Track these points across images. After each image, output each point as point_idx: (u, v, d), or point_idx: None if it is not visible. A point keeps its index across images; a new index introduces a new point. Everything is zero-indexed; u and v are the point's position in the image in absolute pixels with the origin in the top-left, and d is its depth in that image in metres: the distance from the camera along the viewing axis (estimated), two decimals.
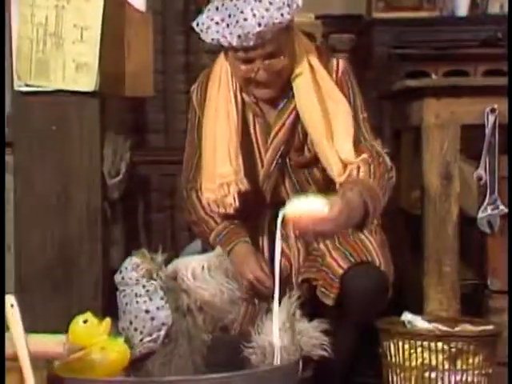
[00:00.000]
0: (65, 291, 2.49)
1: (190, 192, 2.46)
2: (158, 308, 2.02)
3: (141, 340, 2.01)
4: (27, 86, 2.49)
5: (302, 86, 2.33)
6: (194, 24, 2.29)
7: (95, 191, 2.52)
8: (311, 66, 2.34)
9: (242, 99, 2.38)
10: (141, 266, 2.05)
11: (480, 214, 2.59)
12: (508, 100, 2.54)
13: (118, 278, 2.09)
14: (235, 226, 2.37)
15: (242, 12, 2.18)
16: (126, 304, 2.06)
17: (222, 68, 2.39)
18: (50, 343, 1.82)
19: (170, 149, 4.22)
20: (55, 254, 2.51)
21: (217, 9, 2.24)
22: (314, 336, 2.05)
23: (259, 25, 2.17)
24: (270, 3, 2.19)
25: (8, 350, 1.77)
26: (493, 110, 2.55)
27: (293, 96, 2.35)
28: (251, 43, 2.20)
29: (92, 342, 1.97)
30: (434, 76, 3.89)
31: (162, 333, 2.01)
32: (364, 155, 2.28)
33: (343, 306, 2.25)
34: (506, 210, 2.58)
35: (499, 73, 3.55)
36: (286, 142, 2.36)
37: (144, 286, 2.04)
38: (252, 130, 2.40)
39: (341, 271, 2.25)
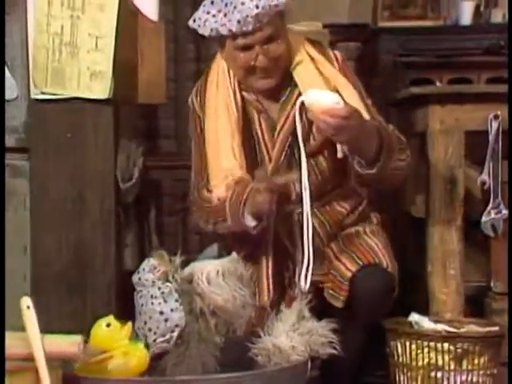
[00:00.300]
0: (79, 293, 2.50)
1: (202, 191, 2.40)
2: (171, 310, 2.02)
3: (154, 340, 2.02)
4: (43, 93, 2.50)
5: (305, 73, 2.32)
6: (191, 21, 2.29)
7: (109, 196, 2.52)
8: (309, 55, 2.34)
9: (243, 97, 2.36)
10: (158, 268, 2.05)
11: (484, 218, 2.58)
12: (508, 107, 2.53)
13: (135, 278, 2.09)
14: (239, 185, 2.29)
15: None
16: (142, 305, 2.06)
17: (219, 68, 2.38)
18: (64, 344, 1.82)
19: (182, 154, 4.22)
20: (70, 256, 2.51)
21: (212, 3, 2.25)
22: (322, 334, 2.04)
23: (257, 7, 2.18)
24: None
25: (24, 351, 1.77)
26: (496, 117, 2.54)
27: (295, 86, 2.34)
28: (250, 27, 2.21)
29: (114, 346, 1.97)
30: (438, 83, 3.89)
31: (175, 334, 2.01)
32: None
33: (352, 308, 2.24)
34: None
35: (502, 80, 3.54)
36: (292, 133, 2.33)
37: (159, 288, 2.04)
38: (258, 127, 2.38)
39: (349, 274, 2.24)
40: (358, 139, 2.17)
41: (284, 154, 2.35)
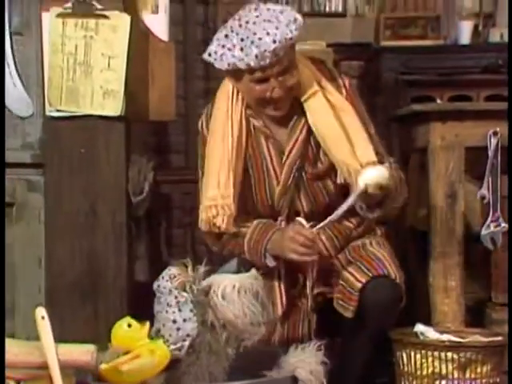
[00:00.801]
0: (92, 303, 2.49)
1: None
2: (184, 320, 2.01)
3: (168, 346, 2.01)
4: (58, 111, 2.50)
5: (316, 104, 2.32)
6: (206, 55, 2.28)
7: (121, 209, 2.53)
8: (319, 84, 2.34)
9: (250, 123, 2.35)
10: (176, 278, 2.04)
11: (483, 231, 2.57)
12: (508, 124, 2.53)
13: (155, 285, 2.09)
14: (261, 227, 2.34)
15: (254, 33, 2.17)
16: (158, 312, 2.06)
17: (227, 94, 2.37)
18: (78, 353, 1.81)
19: (191, 169, 4.21)
20: (83, 268, 2.51)
21: (226, 36, 2.22)
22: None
23: (274, 42, 2.17)
24: (279, 21, 2.19)
25: (39, 359, 1.77)
26: (495, 133, 2.54)
27: (302, 112, 2.33)
28: (268, 61, 2.19)
29: (136, 345, 1.98)
30: (439, 101, 3.89)
31: (186, 343, 2.00)
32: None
33: (361, 318, 2.23)
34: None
35: (501, 98, 3.54)
36: (301, 157, 2.34)
37: (176, 297, 2.03)
38: (266, 152, 2.37)
39: (359, 285, 2.23)
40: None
41: (292, 176, 2.35)
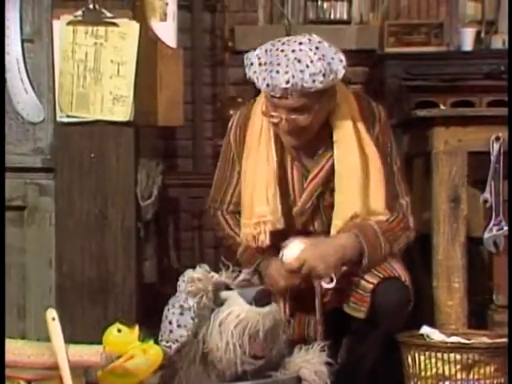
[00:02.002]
0: (101, 304, 2.50)
1: (216, 212, 2.45)
2: (179, 326, 2.01)
3: (160, 341, 2.04)
4: (68, 117, 2.51)
5: (346, 150, 2.25)
6: (245, 56, 2.22)
7: (130, 212, 2.53)
8: (357, 131, 2.26)
9: (281, 143, 2.31)
10: (194, 283, 2.02)
11: (486, 235, 2.57)
12: (508, 129, 2.52)
13: (180, 281, 2.08)
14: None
15: (278, 64, 2.11)
16: (167, 307, 2.06)
17: (259, 109, 2.30)
18: (87, 353, 1.81)
19: (198, 173, 4.23)
20: (93, 270, 2.51)
21: (266, 51, 2.17)
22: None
23: (287, 82, 2.10)
24: (307, 66, 2.10)
25: (49, 360, 1.77)
26: (497, 138, 2.53)
27: (331, 147, 2.28)
28: (277, 95, 2.14)
29: (128, 349, 1.98)
30: (442, 106, 3.88)
31: (174, 347, 2.01)
32: (387, 215, 2.27)
33: (372, 319, 2.22)
34: None
35: (503, 103, 3.53)
36: (322, 185, 2.31)
37: (183, 300, 2.02)
38: (289, 172, 2.34)
39: (371, 286, 2.22)
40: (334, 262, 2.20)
41: (311, 202, 2.32)
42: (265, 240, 2.27)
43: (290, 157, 2.33)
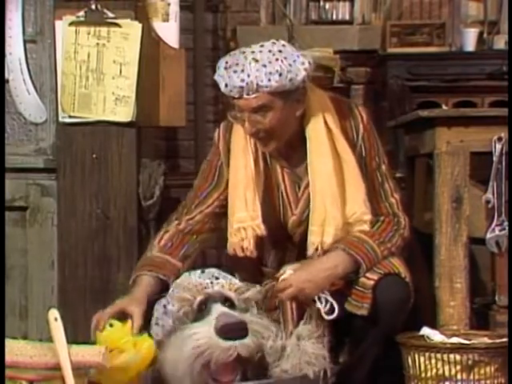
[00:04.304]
0: (103, 305, 2.49)
1: (176, 220, 2.35)
2: (157, 324, 2.01)
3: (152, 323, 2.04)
4: (70, 117, 2.51)
5: (316, 151, 2.24)
6: (220, 60, 2.23)
7: (132, 213, 2.53)
8: (330, 131, 2.25)
9: (263, 151, 2.28)
10: (182, 290, 2.00)
11: (488, 235, 2.56)
12: (508, 129, 2.52)
13: (195, 275, 2.05)
14: (157, 259, 2.24)
15: (237, 64, 2.13)
16: (158, 301, 2.06)
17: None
18: (89, 353, 1.81)
19: None
20: (95, 270, 2.52)
21: (233, 55, 2.18)
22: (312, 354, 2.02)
23: (242, 80, 2.11)
24: (264, 66, 2.11)
25: (51, 360, 1.77)
26: (499, 139, 2.53)
27: None
28: (236, 95, 2.14)
29: (120, 343, 1.97)
30: (444, 106, 3.88)
31: (160, 334, 2.00)
32: (369, 216, 2.24)
33: (373, 316, 2.22)
34: None
35: (505, 104, 3.52)
36: None
37: (169, 302, 2.02)
38: (281, 181, 2.31)
39: (372, 283, 2.20)
40: (322, 283, 2.18)
41: (308, 210, 2.27)
42: (249, 247, 2.22)
43: (279, 165, 2.31)
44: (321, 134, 2.24)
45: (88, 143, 2.52)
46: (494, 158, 2.53)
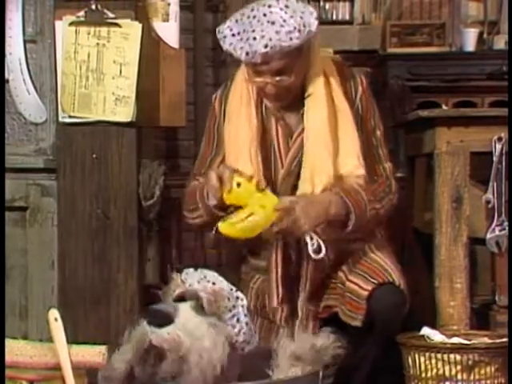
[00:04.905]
0: (103, 305, 2.50)
1: (190, 180, 2.42)
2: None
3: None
4: (70, 117, 2.51)
5: (314, 107, 2.27)
6: (217, 30, 2.24)
7: (132, 213, 2.53)
8: (329, 86, 2.29)
9: (264, 104, 2.32)
10: (212, 296, 1.96)
11: (488, 235, 2.57)
12: (508, 129, 2.52)
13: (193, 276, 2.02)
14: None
15: (253, 31, 2.13)
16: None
17: (243, 76, 2.33)
18: (90, 353, 1.82)
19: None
20: (95, 270, 2.52)
21: (236, 21, 2.18)
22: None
23: (265, 46, 2.12)
24: (282, 26, 2.13)
25: (52, 360, 1.77)
26: (500, 139, 2.53)
27: None
28: (258, 61, 2.16)
29: (248, 201, 2.12)
30: (444, 106, 3.89)
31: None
32: (362, 171, 2.25)
33: (369, 326, 2.21)
34: None
35: (505, 104, 3.53)
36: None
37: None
38: (274, 133, 2.33)
39: (366, 293, 2.21)
40: (315, 220, 2.17)
41: (297, 160, 2.30)
42: None
43: (275, 118, 2.33)
44: (319, 85, 2.27)
45: (88, 143, 2.52)
46: (494, 158, 2.53)
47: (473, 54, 4.32)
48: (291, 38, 2.13)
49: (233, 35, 2.17)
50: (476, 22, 4.52)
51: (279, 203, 2.16)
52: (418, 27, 4.43)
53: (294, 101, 2.30)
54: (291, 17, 2.14)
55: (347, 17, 4.61)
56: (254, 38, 2.12)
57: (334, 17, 4.60)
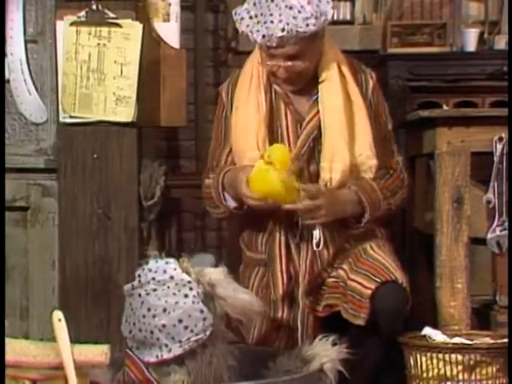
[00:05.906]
0: (104, 305, 2.51)
1: (211, 178, 2.43)
2: (203, 311, 1.94)
3: (188, 338, 1.93)
4: (71, 117, 2.52)
5: (329, 93, 2.32)
6: (233, 12, 2.27)
7: (132, 213, 2.54)
8: (342, 75, 2.33)
9: (273, 90, 2.35)
10: (191, 270, 1.99)
11: (489, 235, 2.57)
12: (508, 129, 2.53)
13: (162, 276, 1.99)
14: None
15: (271, 14, 2.17)
16: (166, 302, 1.94)
17: (253, 62, 2.37)
18: (92, 353, 1.82)
19: (201, 174, 4.22)
20: (95, 270, 2.53)
21: (254, 4, 2.22)
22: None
23: (282, 30, 2.16)
24: (299, 11, 2.17)
25: (54, 360, 1.78)
26: (500, 139, 2.54)
27: None
28: (274, 44, 2.20)
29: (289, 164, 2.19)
30: (445, 107, 3.89)
31: (207, 333, 1.93)
32: (375, 161, 2.32)
33: (372, 324, 2.22)
34: None
35: (505, 104, 3.53)
36: (317, 129, 2.34)
37: (192, 289, 1.97)
38: (283, 119, 2.36)
39: (369, 292, 2.22)
40: (333, 214, 2.24)
41: (307, 146, 2.33)
42: None
43: (284, 103, 2.36)
44: (334, 72, 2.33)
45: (89, 143, 2.53)
46: (495, 158, 2.54)
47: (474, 54, 4.31)
48: (308, 25, 2.18)
49: (250, 18, 2.21)
50: (477, 22, 4.52)
51: (306, 186, 2.22)
52: (418, 27, 4.42)
53: (305, 87, 2.33)
54: (309, 3, 2.19)
55: (348, 17, 4.60)
56: (272, 22, 2.17)
57: (335, 17, 4.60)
